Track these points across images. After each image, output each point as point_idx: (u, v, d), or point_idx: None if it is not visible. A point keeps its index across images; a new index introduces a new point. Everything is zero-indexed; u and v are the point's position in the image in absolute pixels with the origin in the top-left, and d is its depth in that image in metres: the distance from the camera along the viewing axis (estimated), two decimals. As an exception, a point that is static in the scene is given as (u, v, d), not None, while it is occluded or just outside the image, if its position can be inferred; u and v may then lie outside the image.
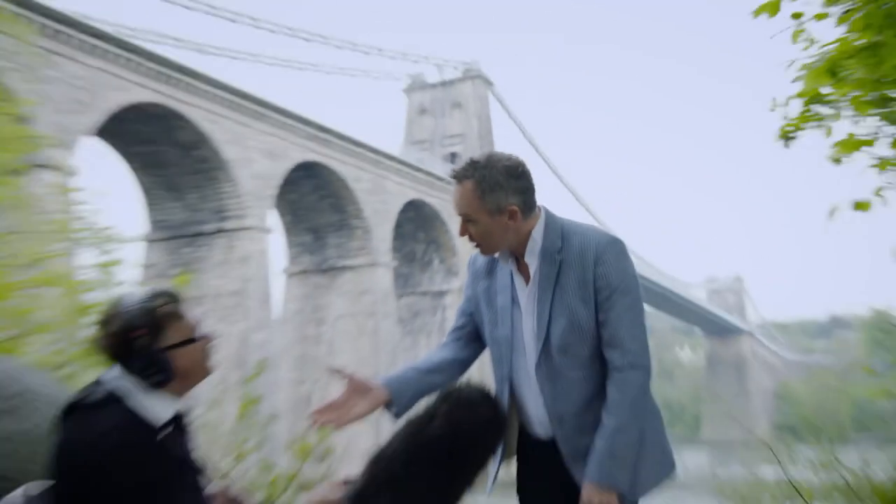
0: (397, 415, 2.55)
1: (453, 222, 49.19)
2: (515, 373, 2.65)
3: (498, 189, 2.52)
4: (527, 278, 2.63)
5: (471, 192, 2.54)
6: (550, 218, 2.63)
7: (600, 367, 2.57)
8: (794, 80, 4.10)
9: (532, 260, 2.60)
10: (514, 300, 2.65)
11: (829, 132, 4.36)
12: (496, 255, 2.68)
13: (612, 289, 2.52)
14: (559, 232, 2.60)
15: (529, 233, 2.59)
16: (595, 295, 2.53)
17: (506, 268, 2.68)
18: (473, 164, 2.56)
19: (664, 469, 2.65)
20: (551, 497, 2.65)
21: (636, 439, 2.52)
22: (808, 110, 4.75)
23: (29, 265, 11.56)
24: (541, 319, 2.58)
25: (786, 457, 6.70)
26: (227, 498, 2.39)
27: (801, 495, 6.06)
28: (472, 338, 2.82)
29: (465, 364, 2.77)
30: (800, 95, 4.52)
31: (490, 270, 2.74)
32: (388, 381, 2.56)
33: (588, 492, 2.48)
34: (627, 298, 2.53)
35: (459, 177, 2.57)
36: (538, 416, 2.64)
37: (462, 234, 2.60)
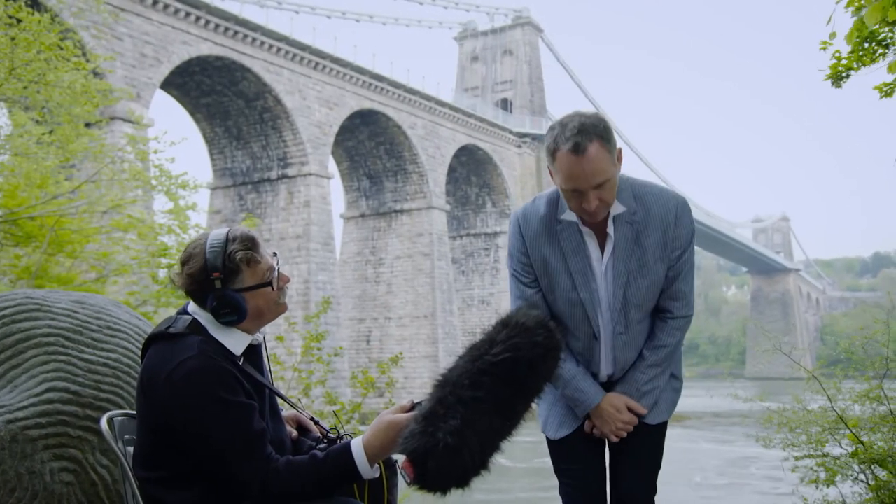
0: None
1: (505, 166, 49.93)
2: (597, 330, 2.68)
3: (611, 133, 2.43)
4: (601, 239, 2.61)
5: (602, 152, 2.39)
6: (619, 179, 2.56)
7: (654, 315, 2.72)
8: (846, 7, 3.89)
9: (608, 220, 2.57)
10: (589, 262, 2.62)
11: (892, 67, 4.18)
12: (561, 217, 2.61)
13: (683, 248, 2.61)
14: (630, 192, 2.57)
15: None
16: (669, 253, 2.59)
17: (570, 230, 2.61)
18: (582, 125, 2.39)
19: (675, 397, 2.81)
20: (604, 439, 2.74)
21: (666, 377, 2.72)
22: (862, 46, 4.81)
23: (108, 211, 12.68)
24: (618, 279, 2.59)
25: (832, 390, 6.72)
26: (299, 422, 2.51)
27: (847, 425, 6.15)
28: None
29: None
30: (854, 29, 4.58)
31: (550, 234, 2.64)
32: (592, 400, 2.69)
33: (617, 401, 2.67)
34: (691, 255, 2.65)
35: (584, 144, 2.37)
36: (605, 364, 2.72)
37: (593, 206, 2.43)
